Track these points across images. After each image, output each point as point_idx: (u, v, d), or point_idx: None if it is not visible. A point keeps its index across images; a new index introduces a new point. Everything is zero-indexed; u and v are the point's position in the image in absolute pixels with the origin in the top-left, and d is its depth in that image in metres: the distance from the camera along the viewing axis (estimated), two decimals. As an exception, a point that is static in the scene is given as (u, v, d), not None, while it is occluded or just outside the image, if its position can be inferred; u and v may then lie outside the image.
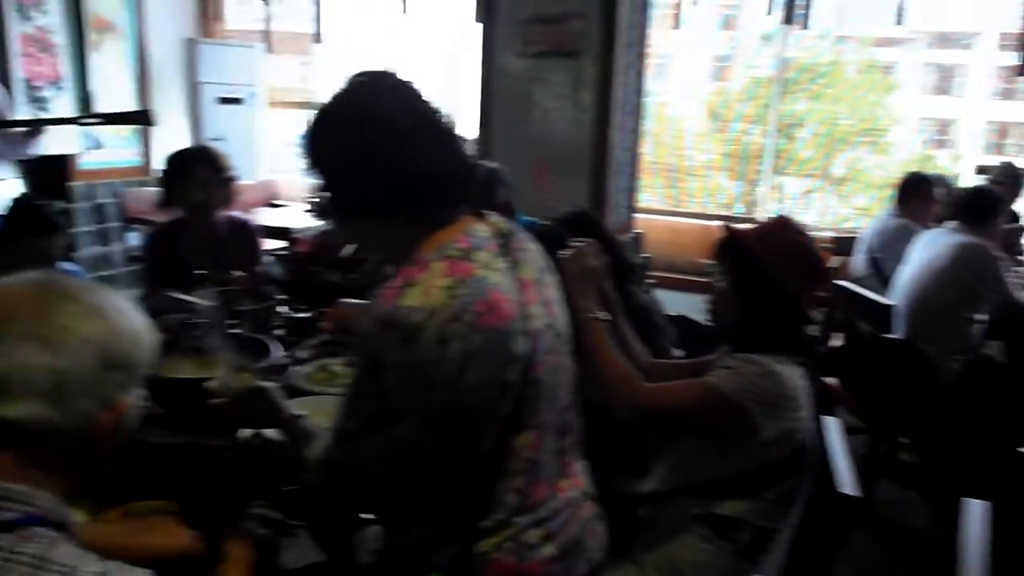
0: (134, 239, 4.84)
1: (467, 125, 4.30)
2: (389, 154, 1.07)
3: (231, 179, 2.53)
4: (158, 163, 5.11)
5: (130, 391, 0.93)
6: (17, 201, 2.27)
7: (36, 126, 3.15)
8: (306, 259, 2.45)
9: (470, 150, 1.16)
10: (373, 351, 1.06)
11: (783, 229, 1.54)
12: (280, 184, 5.56)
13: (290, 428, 1.28)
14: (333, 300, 2.16)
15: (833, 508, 1.32)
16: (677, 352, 2.16)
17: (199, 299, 2.00)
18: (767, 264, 1.47)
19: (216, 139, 5.18)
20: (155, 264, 2.55)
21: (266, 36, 4.21)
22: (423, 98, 1.12)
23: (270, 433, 1.42)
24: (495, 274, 1.10)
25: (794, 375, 1.46)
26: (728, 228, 1.56)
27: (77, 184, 4.53)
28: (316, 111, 1.14)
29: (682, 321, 2.56)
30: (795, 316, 1.52)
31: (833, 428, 1.54)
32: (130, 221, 4.65)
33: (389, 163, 1.07)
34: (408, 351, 1.02)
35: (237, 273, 2.35)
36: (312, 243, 2.80)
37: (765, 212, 5.43)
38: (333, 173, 1.13)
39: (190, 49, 5.14)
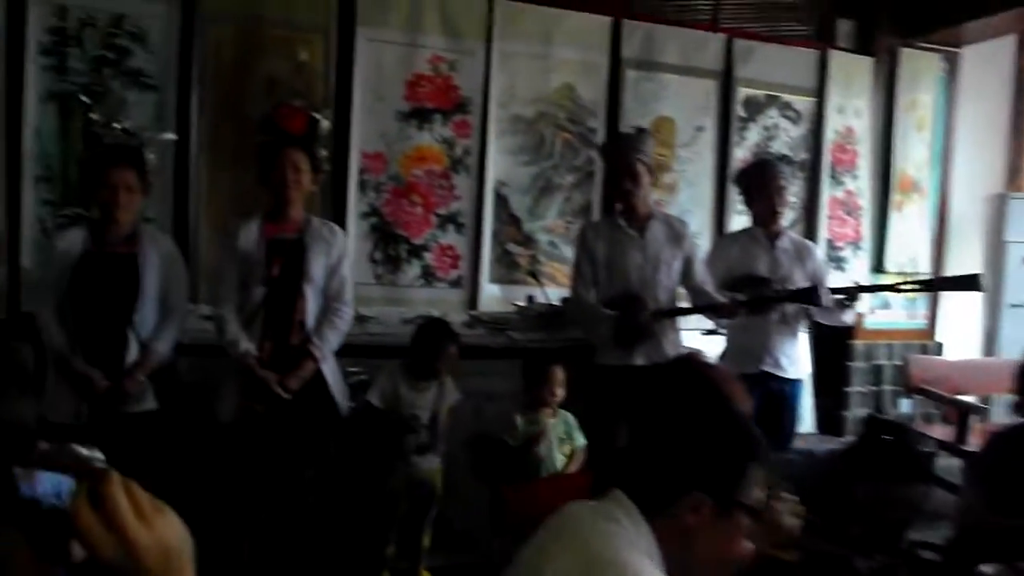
0: (908, 407, 4.50)
1: None
2: None
3: None
4: (945, 328, 4.71)
5: None
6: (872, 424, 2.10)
7: (855, 293, 3.07)
8: None
9: None
10: None
11: None
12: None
13: None
14: None
15: None
16: None
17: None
18: None
19: (1018, 305, 4.50)
20: (988, 472, 2.10)
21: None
22: None
23: None
24: None
25: None
26: None
27: (857, 343, 4.47)
28: None
29: None
30: None
31: None
32: (911, 390, 4.27)
33: None
34: None
35: None
36: None
37: None
38: None
39: (996, 205, 4.62)
